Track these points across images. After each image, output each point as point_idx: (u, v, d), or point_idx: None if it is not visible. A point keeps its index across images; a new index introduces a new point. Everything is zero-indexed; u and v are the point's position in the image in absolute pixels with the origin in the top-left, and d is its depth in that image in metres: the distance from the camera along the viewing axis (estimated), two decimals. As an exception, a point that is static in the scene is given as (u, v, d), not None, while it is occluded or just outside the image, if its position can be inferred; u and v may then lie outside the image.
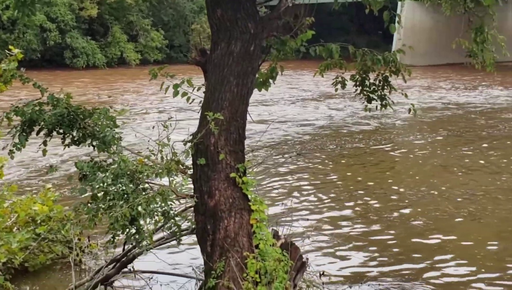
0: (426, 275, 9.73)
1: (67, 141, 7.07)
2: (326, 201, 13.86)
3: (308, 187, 15.02)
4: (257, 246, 6.55)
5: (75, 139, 7.04)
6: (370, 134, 21.93)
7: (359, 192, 14.57)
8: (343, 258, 10.50)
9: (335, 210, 13.25)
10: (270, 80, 8.44)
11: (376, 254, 10.71)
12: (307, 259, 7.93)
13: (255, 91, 7.92)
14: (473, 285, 9.38)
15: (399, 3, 46.40)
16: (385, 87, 9.29)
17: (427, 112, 26.54)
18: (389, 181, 15.77)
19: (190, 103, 7.68)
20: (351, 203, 13.69)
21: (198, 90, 7.61)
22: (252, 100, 7.71)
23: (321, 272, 8.76)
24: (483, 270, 9.97)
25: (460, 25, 10.11)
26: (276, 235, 6.85)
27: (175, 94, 7.57)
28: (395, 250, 10.95)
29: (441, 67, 42.76)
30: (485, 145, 19.71)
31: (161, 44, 51.73)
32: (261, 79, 8.29)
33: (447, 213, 12.90)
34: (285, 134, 21.83)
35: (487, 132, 21.95)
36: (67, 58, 46.70)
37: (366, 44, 43.72)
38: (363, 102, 9.32)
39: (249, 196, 6.84)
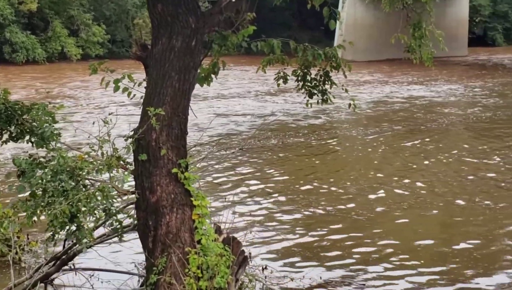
0: (368, 267, 9.87)
1: (5, 137, 6.93)
2: (269, 196, 13.93)
3: (251, 182, 15.06)
4: (199, 242, 6.54)
5: (13, 135, 6.90)
6: (315, 128, 22.10)
7: (302, 186, 14.69)
8: (286, 252, 10.57)
9: (278, 204, 13.32)
10: (212, 75, 8.42)
11: (319, 248, 10.82)
12: (250, 253, 7.97)
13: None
14: (415, 278, 9.56)
15: (340, 0, 46.95)
16: (326, 82, 9.38)
17: (371, 107, 26.90)
18: (332, 174, 15.93)
19: (131, 99, 7.61)
20: (294, 197, 13.79)
21: (139, 85, 7.55)
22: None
23: (264, 266, 8.81)
24: (422, 261, 10.17)
25: (399, 21, 10.29)
26: (218, 230, 6.86)
27: (116, 89, 7.49)
28: (337, 243, 11.08)
29: (382, 62, 43.40)
30: (426, 139, 20.07)
31: (103, 39, 51.04)
32: (203, 74, 8.27)
33: (388, 205, 13.11)
34: (231, 128, 21.86)
35: (428, 126, 22.37)
36: (6, 53, 45.66)
37: (309, 40, 44.00)
38: (305, 97, 9.39)
39: (191, 192, 6.82)
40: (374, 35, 44.83)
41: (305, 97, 9.39)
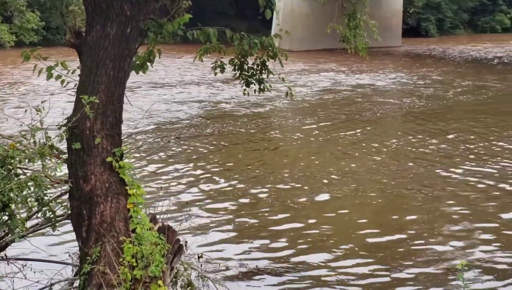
0: (304, 256, 10.00)
1: None
2: (205, 184, 13.93)
3: (187, 171, 15.05)
4: (134, 231, 6.50)
5: None
6: (256, 116, 22.17)
7: (239, 174, 14.74)
8: (222, 240, 10.61)
9: (214, 193, 13.35)
10: (148, 63, 8.36)
11: (255, 237, 10.90)
12: (186, 242, 7.96)
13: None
14: (352, 269, 9.72)
15: (279, -11, 47.12)
16: (263, 71, 9.42)
17: (313, 96, 27.12)
18: (269, 163, 16.04)
19: (64, 86, 7.49)
20: (229, 186, 13.83)
21: (73, 72, 7.43)
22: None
23: (199, 255, 8.82)
24: (358, 249, 10.36)
25: (335, 11, 10.39)
26: (153, 219, 6.82)
27: (49, 76, 7.36)
28: (275, 232, 11.18)
29: (319, 52, 43.75)
30: (363, 127, 20.36)
31: (37, 25, 49.89)
32: (139, 62, 8.20)
33: (325, 194, 13.29)
34: (172, 117, 21.74)
35: (365, 115, 22.69)
36: None
37: (246, 29, 44.01)
38: (242, 86, 9.42)
39: (126, 181, 6.77)
40: (310, 25, 45.16)
41: (242, 86, 9.42)
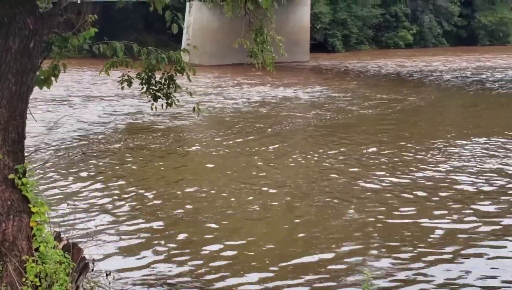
0: (212, 276, 9.97)
1: None
2: (113, 201, 13.73)
3: (95, 187, 14.79)
4: (37, 249, 6.35)
5: None
6: (169, 131, 22.00)
7: (147, 190, 14.59)
8: (130, 257, 10.47)
9: (123, 209, 13.17)
10: (53, 78, 8.21)
11: (164, 253, 10.81)
12: (93, 260, 7.83)
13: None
14: (263, 285, 9.79)
15: (188, 4, 47.11)
16: (171, 85, 9.41)
17: (219, 111, 27.17)
18: (178, 179, 15.96)
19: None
20: (139, 203, 13.68)
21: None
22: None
23: (107, 272, 8.69)
24: (268, 263, 10.44)
25: (243, 26, 10.50)
26: (58, 237, 6.68)
27: None
28: (185, 247, 11.13)
29: (229, 66, 43.98)
30: (274, 141, 20.54)
31: None
32: (43, 77, 8.04)
33: (234, 209, 13.32)
34: (81, 132, 21.32)
35: (276, 128, 22.92)
36: None
37: (156, 43, 43.81)
38: (149, 100, 9.38)
39: (29, 198, 6.61)
40: (220, 39, 45.35)
41: (149, 100, 9.38)
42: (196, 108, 9.22)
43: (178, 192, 14.50)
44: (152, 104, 9.36)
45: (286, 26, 47.82)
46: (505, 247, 11.26)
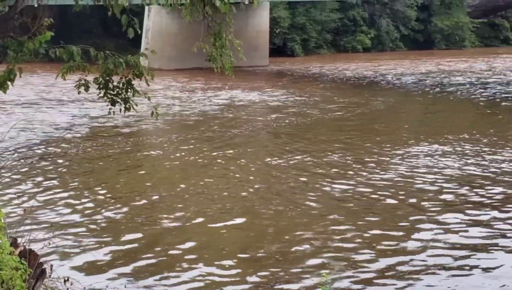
0: (170, 281, 9.96)
1: None
2: (70, 206, 13.60)
3: (52, 193, 14.63)
4: (-7, 256, 6.27)
5: None
6: (127, 136, 21.83)
7: (103, 195, 14.49)
8: (89, 263, 10.39)
9: (80, 215, 13.06)
10: (8, 82, 8.11)
11: (121, 258, 10.75)
12: (51, 265, 7.75)
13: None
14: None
15: (146, 8, 46.86)
16: (129, 90, 9.37)
17: (181, 115, 27.10)
18: (132, 183, 15.86)
19: None
20: (95, 208, 13.57)
21: None
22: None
23: (66, 278, 8.59)
24: (229, 266, 10.46)
25: (201, 30, 10.51)
26: (14, 243, 6.60)
27: None
28: (142, 252, 11.08)
29: (189, 70, 43.87)
30: (233, 145, 20.57)
31: None
32: (-2, 81, 7.94)
33: (195, 213, 13.31)
34: (37, 137, 21.04)
35: (233, 132, 22.94)
36: None
37: (115, 47, 43.40)
38: (108, 105, 9.33)
39: (-15, 204, 6.53)
40: (180, 43, 45.24)
41: (107, 105, 9.32)
42: (154, 112, 9.19)
43: (137, 197, 14.42)
44: (110, 109, 9.31)
45: (245, 30, 47.91)
46: (467, 257, 11.46)
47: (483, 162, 18.05)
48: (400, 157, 18.76)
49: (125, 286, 9.34)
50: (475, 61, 55.04)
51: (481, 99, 32.87)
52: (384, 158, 18.64)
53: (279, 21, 57.77)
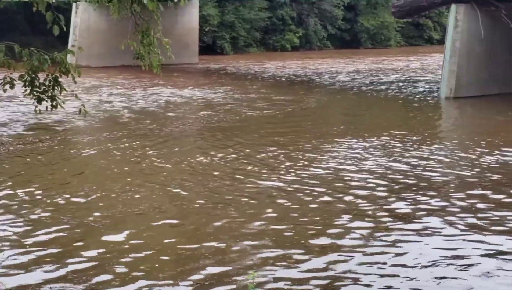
0: (102, 277, 9.90)
1: None
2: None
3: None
4: None
5: None
6: (56, 134, 21.38)
7: (30, 196, 14.22)
8: (23, 266, 10.22)
9: (3, 216, 12.80)
10: None
11: (49, 257, 10.61)
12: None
13: None
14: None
15: (74, 4, 46.09)
16: (56, 87, 9.29)
17: (110, 113, 26.77)
18: (63, 182, 15.62)
19: None
20: (21, 206, 13.31)
21: None
22: None
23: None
24: (158, 266, 10.45)
25: (129, 28, 10.49)
26: None
27: None
28: (78, 251, 10.95)
29: (118, 68, 43.40)
30: (162, 143, 20.47)
31: None
32: None
33: (123, 213, 13.21)
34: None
35: (163, 130, 22.82)
36: None
37: (43, 45, 42.58)
38: (34, 103, 9.22)
39: None
40: (108, 41, 44.69)
41: (33, 103, 9.22)
42: (82, 110, 9.13)
43: (63, 195, 14.19)
44: (36, 107, 9.21)
45: (174, 28, 47.72)
46: (403, 254, 11.74)
47: (412, 159, 18.53)
48: (332, 153, 19.06)
49: (50, 288, 9.23)
50: (403, 59, 56.33)
51: (409, 96, 33.71)
52: (316, 155, 18.90)
53: (209, 19, 57.81)
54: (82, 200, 13.94)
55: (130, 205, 13.63)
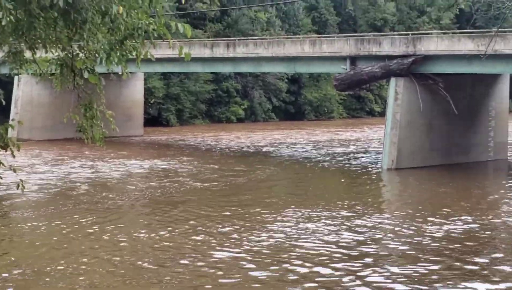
0: None
1: None
2: None
3: None
4: None
5: None
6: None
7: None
8: None
9: None
10: None
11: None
12: None
13: None
14: None
15: (16, 77, 45.70)
16: (-6, 161, 9.07)
17: (49, 187, 26.28)
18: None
19: None
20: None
21: None
22: None
23: None
24: None
25: (72, 101, 10.41)
26: None
27: None
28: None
29: (60, 141, 42.92)
30: (101, 216, 20.14)
31: None
32: None
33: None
34: None
35: (104, 204, 22.48)
36: None
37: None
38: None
39: None
40: (51, 113, 44.35)
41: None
42: (20, 185, 8.93)
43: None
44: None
45: (119, 100, 47.73)
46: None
47: (354, 230, 18.64)
48: (277, 224, 19.07)
49: None
50: (345, 131, 57.32)
51: (352, 167, 34.14)
52: (263, 226, 18.87)
53: (154, 91, 58.04)
54: (18, 278, 13.51)
55: (68, 282, 13.27)
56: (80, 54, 9.15)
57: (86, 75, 9.12)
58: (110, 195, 24.47)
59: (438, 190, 27.21)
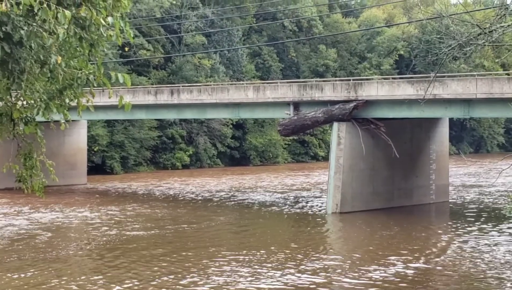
0: None
1: None
2: None
3: None
4: None
5: None
6: None
7: None
8: None
9: None
10: None
11: None
12: None
13: None
14: None
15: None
16: None
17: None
18: None
19: None
20: None
21: None
22: None
23: None
24: None
25: (11, 150, 10.24)
26: None
27: None
28: None
29: (0, 191, 42.00)
30: (45, 267, 19.70)
31: None
32: None
33: None
34: None
35: (48, 254, 22.01)
36: None
37: None
38: None
39: None
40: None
41: None
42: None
43: None
44: None
45: (62, 148, 47.13)
46: None
47: (295, 275, 18.65)
48: (221, 270, 18.93)
49: None
50: (290, 176, 57.63)
51: (297, 212, 34.26)
52: (206, 274, 18.71)
53: (98, 139, 57.49)
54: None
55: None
56: (19, 104, 9.05)
57: (21, 126, 9.02)
58: (49, 246, 23.96)
59: (381, 233, 27.50)
